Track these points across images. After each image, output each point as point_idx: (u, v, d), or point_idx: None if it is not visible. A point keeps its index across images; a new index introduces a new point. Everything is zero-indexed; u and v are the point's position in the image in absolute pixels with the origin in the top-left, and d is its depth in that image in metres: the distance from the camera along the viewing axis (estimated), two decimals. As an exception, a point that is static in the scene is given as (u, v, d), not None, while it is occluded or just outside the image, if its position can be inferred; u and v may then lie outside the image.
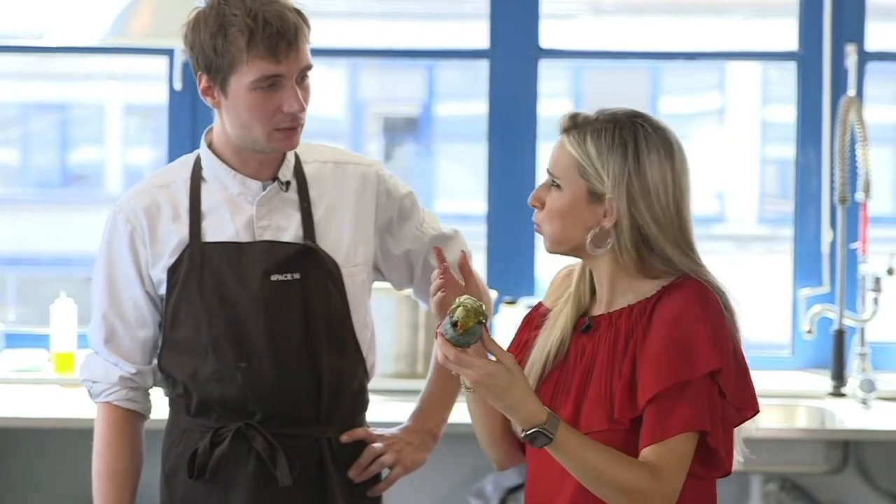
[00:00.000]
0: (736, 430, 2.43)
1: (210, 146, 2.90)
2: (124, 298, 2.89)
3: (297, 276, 2.83)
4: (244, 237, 2.84)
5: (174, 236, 2.85)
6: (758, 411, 2.42)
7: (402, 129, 10.11)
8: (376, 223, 2.93)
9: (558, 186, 2.42)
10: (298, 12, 2.76)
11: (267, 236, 2.84)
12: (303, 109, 2.77)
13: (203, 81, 2.79)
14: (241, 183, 2.85)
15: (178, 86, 4.81)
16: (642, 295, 2.41)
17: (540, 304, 2.58)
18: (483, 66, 4.91)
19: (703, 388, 2.33)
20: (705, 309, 2.35)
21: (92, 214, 9.55)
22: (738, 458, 2.47)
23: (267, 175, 2.86)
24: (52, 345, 4.69)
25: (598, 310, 2.46)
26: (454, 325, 2.29)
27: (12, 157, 9.48)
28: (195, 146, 5.01)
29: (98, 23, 4.43)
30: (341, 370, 2.86)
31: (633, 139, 2.39)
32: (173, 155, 4.82)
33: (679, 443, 2.32)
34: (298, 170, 2.90)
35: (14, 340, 4.84)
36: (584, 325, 2.46)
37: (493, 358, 2.32)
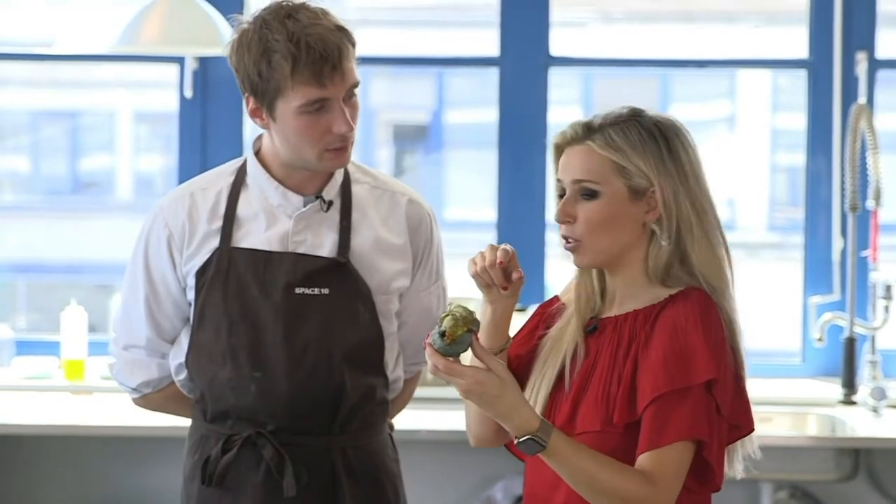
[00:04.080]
0: (733, 446, 2.43)
1: (258, 153, 2.88)
2: (163, 295, 2.90)
3: (325, 290, 2.82)
4: (276, 248, 2.83)
5: (208, 240, 2.86)
6: (752, 430, 2.42)
7: (412, 137, 10.11)
8: (413, 260, 2.92)
9: (591, 195, 2.40)
10: (342, 30, 2.74)
11: (300, 251, 2.83)
12: (351, 129, 2.75)
13: (251, 104, 2.78)
14: (283, 195, 2.84)
15: (188, 93, 4.82)
16: (650, 301, 2.41)
17: (556, 297, 2.57)
18: (493, 74, 4.92)
19: (701, 399, 2.32)
20: (706, 320, 2.35)
21: (102, 222, 9.56)
22: (737, 473, 2.47)
23: (311, 190, 2.85)
24: (62, 352, 4.69)
25: (607, 312, 2.46)
26: (442, 334, 2.29)
27: (22, 164, 9.49)
28: (206, 153, 5.04)
29: (108, 31, 4.44)
30: (363, 387, 2.85)
31: (657, 130, 2.40)
32: (184, 162, 4.83)
33: (675, 451, 2.32)
34: (346, 188, 2.88)
35: (24, 347, 4.84)
36: (591, 326, 2.46)
37: (484, 367, 2.31)
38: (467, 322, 2.29)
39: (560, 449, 2.30)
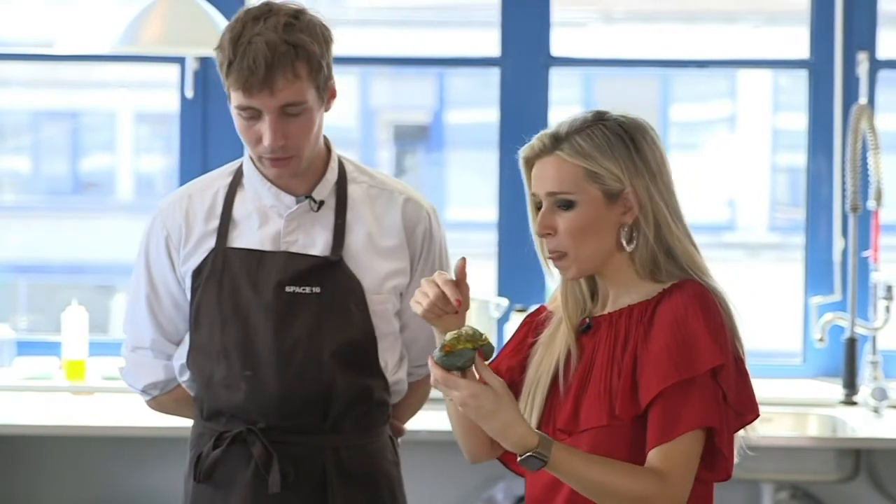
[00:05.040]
0: (738, 434, 2.43)
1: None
2: (163, 295, 2.91)
3: (316, 289, 2.81)
4: (268, 248, 2.83)
5: (204, 240, 2.87)
6: (758, 415, 2.42)
7: (413, 137, 10.11)
8: (411, 259, 2.91)
9: (568, 205, 2.40)
10: (296, 46, 2.68)
11: (292, 250, 2.83)
12: (278, 145, 2.72)
13: None
14: (275, 196, 2.84)
15: (189, 93, 4.82)
16: (644, 296, 2.41)
17: (543, 307, 2.57)
18: (494, 74, 4.91)
19: (708, 386, 2.32)
20: (705, 308, 2.35)
21: (103, 222, 9.56)
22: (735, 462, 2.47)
23: (302, 190, 2.85)
24: (63, 352, 4.69)
25: (600, 310, 2.46)
26: (441, 346, 2.31)
27: (23, 164, 9.49)
28: (206, 154, 5.04)
29: (109, 31, 4.44)
30: (356, 387, 2.84)
31: (623, 130, 2.41)
32: (184, 162, 4.83)
33: (686, 442, 2.32)
34: (342, 188, 2.87)
35: (25, 348, 4.84)
36: (584, 325, 2.46)
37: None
38: (471, 339, 2.30)
39: (563, 460, 2.30)
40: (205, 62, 4.79)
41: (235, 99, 2.71)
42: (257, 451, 2.82)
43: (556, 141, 2.42)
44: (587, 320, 2.46)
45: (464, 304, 2.42)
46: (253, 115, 2.71)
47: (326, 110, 2.81)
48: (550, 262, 2.45)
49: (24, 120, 9.26)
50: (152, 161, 9.87)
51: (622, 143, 2.39)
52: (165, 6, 4.26)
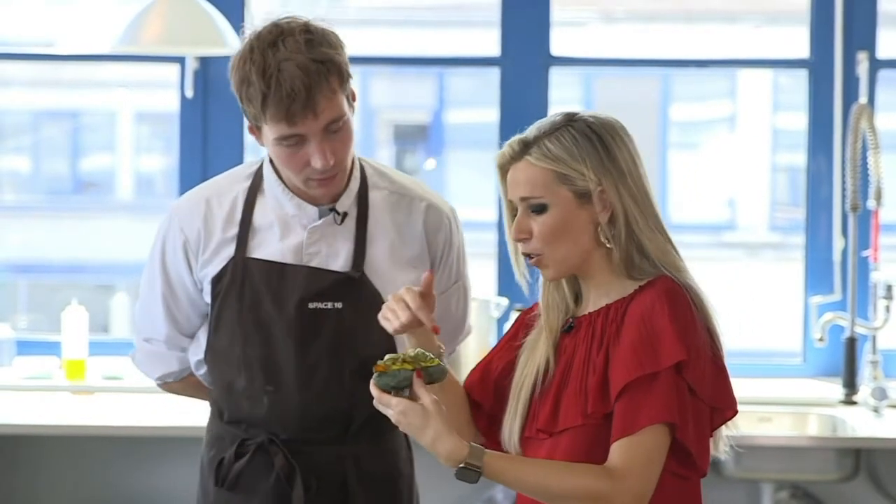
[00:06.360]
0: (722, 431, 2.43)
1: (273, 161, 2.82)
2: (181, 295, 2.89)
3: (338, 305, 2.78)
4: (290, 260, 2.79)
5: (223, 247, 2.83)
6: (736, 412, 2.42)
7: (412, 137, 10.12)
8: (431, 265, 2.89)
9: (541, 209, 2.41)
10: (324, 63, 2.64)
11: (314, 263, 2.80)
12: (330, 165, 2.68)
13: (247, 120, 2.74)
14: (298, 206, 2.80)
15: (189, 93, 4.81)
16: (620, 295, 2.42)
17: (536, 304, 2.58)
18: (494, 74, 4.91)
19: (670, 382, 2.32)
20: (672, 304, 2.35)
21: (103, 222, 9.56)
22: (720, 454, 2.46)
23: (325, 200, 2.80)
24: (63, 352, 4.69)
25: (583, 311, 2.47)
26: (374, 367, 2.39)
27: (24, 164, 9.49)
28: (206, 153, 5.04)
29: (109, 31, 4.44)
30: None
31: (591, 131, 2.41)
32: (185, 162, 4.83)
33: (647, 438, 2.31)
34: (362, 196, 2.84)
35: (25, 347, 4.84)
36: (567, 325, 2.47)
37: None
38: (412, 361, 2.37)
39: (499, 469, 2.33)
40: (205, 62, 4.79)
41: (276, 131, 2.65)
42: (279, 463, 2.80)
43: (526, 146, 2.43)
44: (570, 321, 2.47)
45: (429, 316, 2.47)
46: (297, 141, 2.66)
47: (352, 114, 2.78)
48: (523, 267, 2.48)
49: (24, 120, 9.27)
50: (152, 161, 9.87)
51: (590, 143, 2.40)
52: (165, 6, 4.26)
